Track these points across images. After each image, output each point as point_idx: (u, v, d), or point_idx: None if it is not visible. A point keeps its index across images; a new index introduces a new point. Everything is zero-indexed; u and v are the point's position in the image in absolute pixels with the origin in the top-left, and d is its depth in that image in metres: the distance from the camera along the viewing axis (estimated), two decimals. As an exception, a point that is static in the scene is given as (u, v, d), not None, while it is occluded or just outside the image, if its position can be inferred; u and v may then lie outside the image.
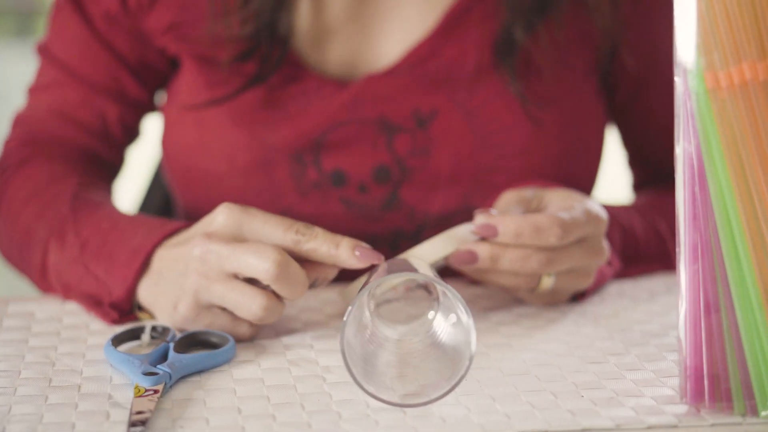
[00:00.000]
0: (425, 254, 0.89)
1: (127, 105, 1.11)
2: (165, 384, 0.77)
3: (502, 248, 0.90)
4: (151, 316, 0.92)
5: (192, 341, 0.85)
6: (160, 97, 1.14)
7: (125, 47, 1.09)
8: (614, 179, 1.46)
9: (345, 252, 0.84)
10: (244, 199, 1.02)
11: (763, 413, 0.72)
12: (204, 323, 0.87)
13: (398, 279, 0.84)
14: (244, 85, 1.06)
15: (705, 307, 0.72)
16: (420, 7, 1.08)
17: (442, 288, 0.76)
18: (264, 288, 0.85)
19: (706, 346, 0.72)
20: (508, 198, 0.97)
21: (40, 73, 1.13)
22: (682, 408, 0.75)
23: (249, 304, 0.84)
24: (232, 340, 0.85)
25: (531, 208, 0.96)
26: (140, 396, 0.75)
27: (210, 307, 0.86)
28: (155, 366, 0.79)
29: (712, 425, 0.72)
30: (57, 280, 0.97)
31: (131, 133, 1.14)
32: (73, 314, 0.94)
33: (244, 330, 0.87)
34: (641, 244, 1.05)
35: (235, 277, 0.85)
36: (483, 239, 0.90)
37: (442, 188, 1.07)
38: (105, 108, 1.10)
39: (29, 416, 0.74)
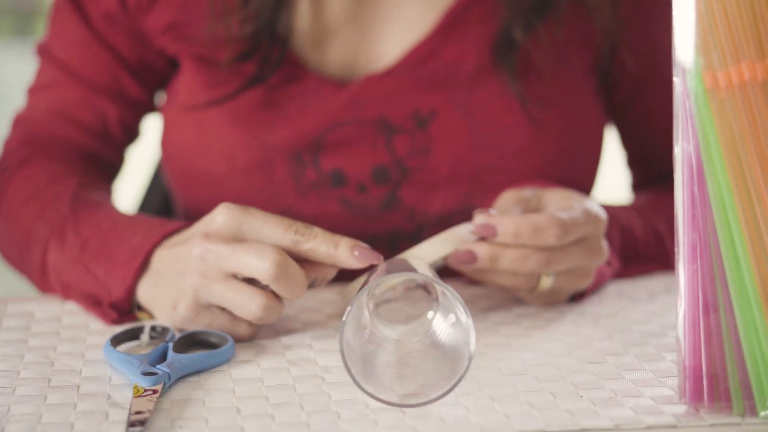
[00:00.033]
0: (424, 254, 0.89)
1: (126, 105, 1.11)
2: (164, 384, 0.77)
3: (502, 248, 0.90)
4: (151, 316, 0.92)
5: (191, 341, 0.85)
6: (160, 98, 1.14)
7: (125, 47, 1.09)
8: (613, 179, 1.46)
9: (344, 252, 0.84)
10: (244, 199, 1.02)
11: (762, 413, 0.72)
12: (203, 323, 0.87)
13: (397, 279, 0.84)
14: (243, 86, 1.06)
15: (704, 307, 0.72)
16: (419, 8, 1.08)
17: (442, 288, 0.76)
18: (263, 288, 0.85)
19: (704, 346, 0.72)
20: (508, 198, 0.97)
21: (40, 74, 1.13)
22: (681, 408, 0.75)
23: (248, 304, 0.84)
24: (231, 340, 0.85)
25: (530, 208, 0.96)
26: (139, 396, 0.75)
27: (209, 306, 0.87)
28: (154, 366, 0.79)
29: (711, 425, 0.72)
30: (56, 280, 0.97)
31: (131, 133, 1.14)
32: (72, 314, 0.94)
33: (243, 330, 0.87)
34: (640, 244, 1.05)
35: (235, 277, 0.85)
36: (482, 239, 0.90)
37: (441, 188, 1.07)
38: (105, 108, 1.10)
39: (28, 416, 0.74)
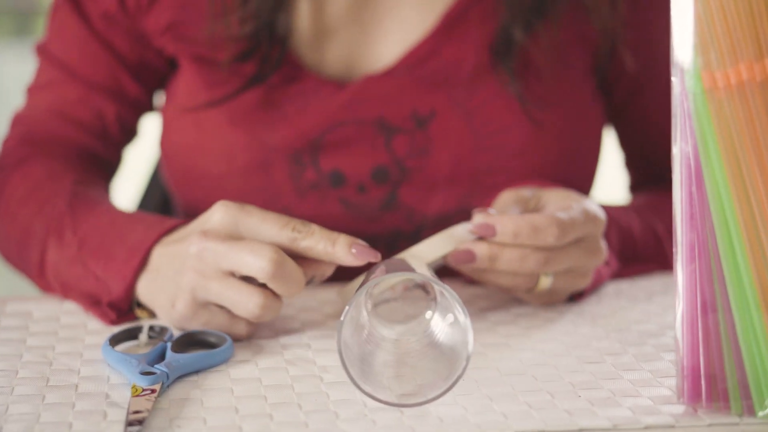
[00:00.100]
0: (423, 254, 0.89)
1: (125, 104, 1.11)
2: (162, 383, 0.77)
3: (500, 248, 0.90)
4: (151, 313, 0.92)
5: (189, 341, 0.85)
6: (159, 98, 1.14)
7: (124, 47, 1.09)
8: (612, 180, 1.46)
9: (341, 249, 0.84)
10: (243, 199, 1.02)
11: (760, 413, 0.72)
12: (201, 321, 0.87)
13: (396, 279, 0.84)
14: (243, 86, 1.06)
15: (702, 307, 0.72)
16: (419, 8, 1.08)
17: (440, 288, 0.76)
18: (261, 286, 0.85)
19: (703, 346, 0.72)
20: (507, 197, 0.97)
21: (39, 73, 1.13)
22: (679, 408, 0.75)
23: (246, 302, 0.84)
24: (229, 340, 0.85)
25: (529, 208, 0.96)
26: (137, 395, 0.75)
27: (207, 304, 0.86)
28: (152, 365, 0.79)
29: (709, 425, 0.72)
30: (55, 279, 0.97)
31: (129, 133, 1.14)
32: (70, 314, 0.94)
33: (241, 328, 0.87)
34: (639, 245, 1.05)
35: (232, 275, 0.85)
36: (481, 239, 0.90)
37: (440, 189, 1.07)
38: (103, 107, 1.10)
39: (26, 416, 0.74)
